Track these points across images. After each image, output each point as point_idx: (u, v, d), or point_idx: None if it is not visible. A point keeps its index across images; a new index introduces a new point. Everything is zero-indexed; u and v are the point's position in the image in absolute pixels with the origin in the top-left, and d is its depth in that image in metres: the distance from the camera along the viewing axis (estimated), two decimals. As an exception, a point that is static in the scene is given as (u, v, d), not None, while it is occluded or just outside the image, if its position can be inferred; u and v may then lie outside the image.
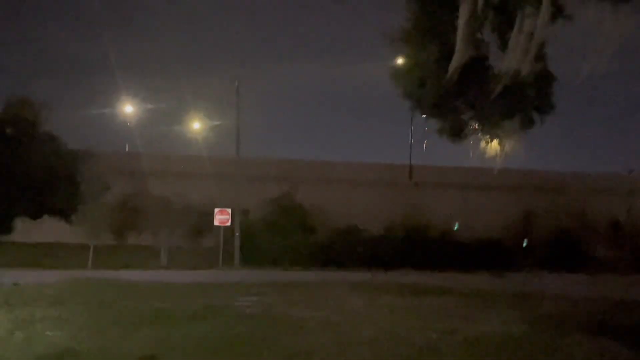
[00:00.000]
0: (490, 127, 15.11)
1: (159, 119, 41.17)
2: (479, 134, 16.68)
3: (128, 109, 38.57)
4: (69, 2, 79.91)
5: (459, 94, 14.10)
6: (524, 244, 35.26)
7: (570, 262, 34.15)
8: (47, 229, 36.11)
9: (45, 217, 38.67)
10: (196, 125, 37.52)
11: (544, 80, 14.66)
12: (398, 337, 11.94)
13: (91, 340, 11.03)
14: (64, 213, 32.72)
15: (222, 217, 31.68)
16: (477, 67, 14.07)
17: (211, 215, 31.68)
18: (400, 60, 14.90)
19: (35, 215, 39.64)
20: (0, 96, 40.20)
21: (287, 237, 31.70)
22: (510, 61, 13.76)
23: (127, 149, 41.45)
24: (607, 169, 47.18)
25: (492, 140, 16.30)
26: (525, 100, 14.60)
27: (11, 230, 39.49)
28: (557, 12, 12.93)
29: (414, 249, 31.96)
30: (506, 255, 33.27)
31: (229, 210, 31.84)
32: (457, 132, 15.04)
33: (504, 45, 14.00)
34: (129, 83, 38.84)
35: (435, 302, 17.47)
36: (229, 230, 32.02)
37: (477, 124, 15.00)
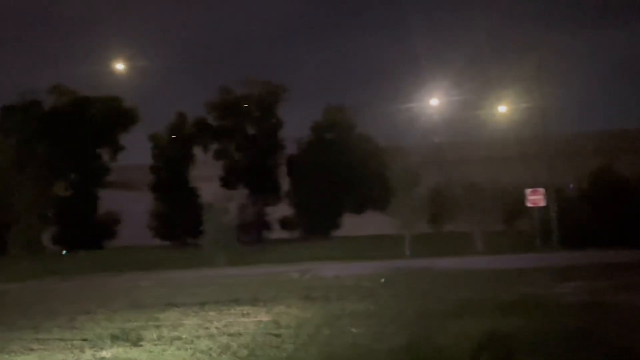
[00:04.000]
0: None
1: (465, 108, 39.41)
2: None
3: (434, 101, 37.71)
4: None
5: None
6: None
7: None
8: (369, 223, 36.87)
9: (367, 211, 39.78)
10: (502, 108, 35.30)
11: None
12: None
13: (393, 337, 9.80)
14: (381, 206, 32.85)
15: (534, 197, 28.98)
16: None
17: (523, 197, 29.19)
18: None
19: (358, 211, 41.01)
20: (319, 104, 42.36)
21: (607, 213, 27.59)
22: None
23: (436, 141, 40.65)
24: None
25: None
26: None
27: (339, 225, 41.31)
28: None
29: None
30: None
31: (542, 189, 29.02)
32: None
33: None
34: (433, 76, 37.53)
35: None
36: (544, 211, 29.17)
37: None
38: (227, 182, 41.69)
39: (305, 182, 40.32)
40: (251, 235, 38.58)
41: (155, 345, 10.28)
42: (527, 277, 17.34)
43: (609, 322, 10.35)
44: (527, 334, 9.49)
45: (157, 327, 11.88)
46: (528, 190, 29.09)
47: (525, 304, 12.32)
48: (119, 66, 35.24)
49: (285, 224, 42.38)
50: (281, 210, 41.98)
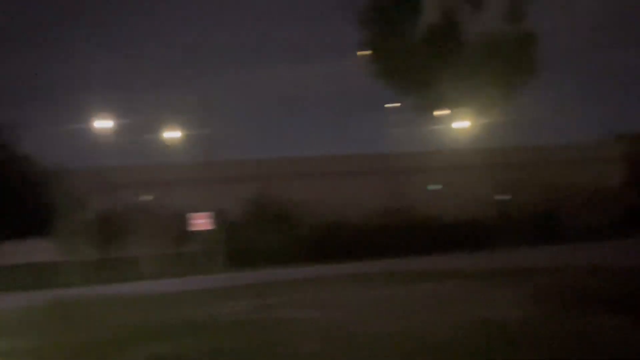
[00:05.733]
0: (468, 98, 13.25)
1: (134, 131, 38.78)
2: (453, 109, 14.95)
3: (102, 124, 36.35)
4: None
5: (433, 63, 12.22)
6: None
7: (550, 233, 32.85)
8: (32, 250, 33.86)
9: (31, 238, 36.55)
10: (171, 134, 35.50)
11: (525, 41, 12.80)
12: (412, 332, 9.93)
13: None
14: (45, 232, 30.53)
15: (199, 222, 29.84)
16: (451, 33, 12.18)
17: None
18: (372, 36, 13.01)
19: (20, 236, 37.42)
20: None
21: (268, 234, 29.60)
22: (484, 22, 11.89)
23: (104, 164, 39.20)
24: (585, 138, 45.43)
25: (467, 112, 14.53)
26: (507, 64, 12.74)
27: (-4, 253, 37.27)
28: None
29: (400, 234, 30.05)
30: (491, 233, 31.61)
31: (207, 213, 29.96)
32: (430, 106, 13.17)
33: (478, 6, 12.13)
34: (101, 98, 36.30)
35: (439, 287, 15.46)
36: (211, 234, 30.05)
37: (452, 95, 13.12)
38: None
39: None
40: None
41: None
42: (191, 298, 17.42)
43: (262, 339, 10.71)
44: (186, 355, 9.41)
45: None
46: (192, 214, 29.83)
47: (190, 326, 12.26)
48: None
49: None
50: None
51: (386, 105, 27.79)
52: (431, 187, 34.77)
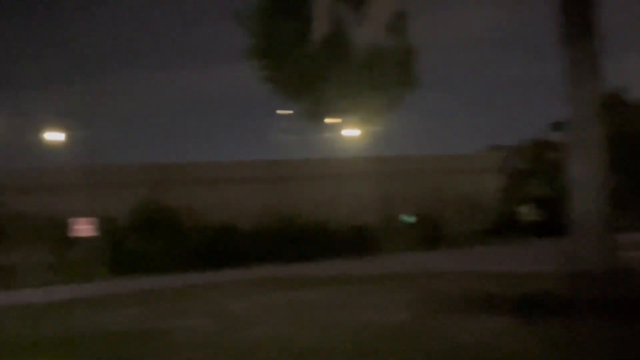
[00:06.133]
0: (354, 106, 13.56)
1: (16, 132, 36.82)
2: (341, 117, 15.25)
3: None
4: None
5: (319, 72, 12.43)
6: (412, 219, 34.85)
7: (430, 239, 34.16)
8: None
9: None
10: (55, 136, 34.00)
11: (405, 54, 13.26)
12: (282, 339, 10.03)
13: None
14: None
15: (82, 227, 28.76)
16: (337, 42, 12.43)
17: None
18: (256, 41, 13.02)
19: None
20: None
21: (156, 241, 28.96)
22: (367, 34, 12.22)
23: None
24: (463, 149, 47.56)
25: (355, 121, 14.85)
26: (388, 76, 13.13)
27: None
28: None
29: (288, 240, 30.19)
30: (375, 239, 32.46)
31: (90, 219, 28.95)
32: (318, 114, 13.37)
33: (361, 17, 12.46)
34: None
35: (317, 294, 15.68)
36: (95, 240, 29.00)
37: (339, 104, 13.38)
38: None
39: None
40: None
41: None
42: (71, 307, 16.78)
43: (142, 350, 10.51)
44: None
45: None
46: (74, 220, 28.76)
47: (68, 338, 11.83)
48: None
49: None
50: None
51: (278, 112, 27.97)
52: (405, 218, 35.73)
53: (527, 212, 41.34)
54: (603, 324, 9.02)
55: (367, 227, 33.93)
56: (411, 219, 37.37)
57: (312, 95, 12.91)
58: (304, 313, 12.60)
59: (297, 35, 12.05)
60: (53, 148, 33.77)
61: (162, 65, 70.16)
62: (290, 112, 15.82)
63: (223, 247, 29.39)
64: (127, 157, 41.37)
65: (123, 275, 26.93)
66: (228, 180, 38.82)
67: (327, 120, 15.39)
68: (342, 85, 12.63)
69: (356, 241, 31.88)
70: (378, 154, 37.41)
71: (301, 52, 11.87)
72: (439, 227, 36.28)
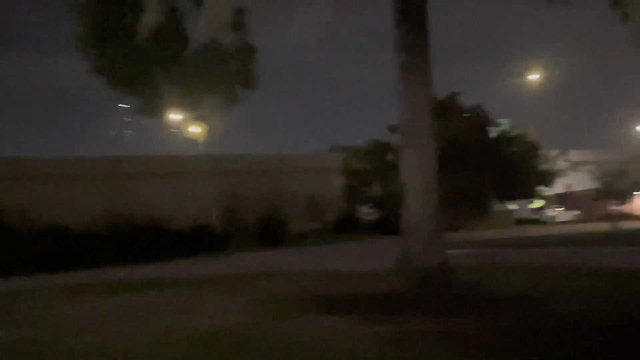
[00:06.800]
0: (193, 103, 13.04)
1: None
2: (183, 114, 14.66)
3: None
4: None
5: (153, 66, 11.77)
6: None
7: (274, 238, 34.25)
8: None
9: None
10: None
11: (245, 53, 12.93)
12: (107, 347, 9.32)
13: None
14: None
15: None
16: (170, 36, 11.84)
17: None
18: (85, 30, 12.08)
19: None
20: None
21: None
22: (205, 29, 11.74)
23: None
24: (306, 148, 48.28)
25: (195, 119, 14.33)
26: (227, 74, 12.75)
27: None
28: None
29: (126, 241, 28.67)
30: (219, 238, 31.95)
31: None
32: (155, 109, 12.70)
33: (199, 12, 11.96)
34: None
35: (148, 297, 14.88)
36: None
37: (176, 100, 12.80)
38: None
39: None
40: None
41: None
42: None
43: None
44: None
45: None
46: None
47: None
48: None
49: None
50: None
51: (120, 106, 26.57)
52: None
53: (367, 212, 42.73)
54: (433, 320, 9.26)
55: (210, 226, 33.30)
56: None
57: (146, 89, 12.23)
58: (128, 320, 11.87)
59: (128, 26, 11.32)
60: None
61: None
62: (127, 106, 14.97)
63: (52, 249, 27.22)
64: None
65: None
66: (64, 177, 36.56)
67: (168, 117, 14.74)
68: (175, 81, 12.07)
69: (199, 241, 31.11)
70: (222, 152, 36.92)
71: (131, 43, 11.15)
72: (284, 225, 36.42)
